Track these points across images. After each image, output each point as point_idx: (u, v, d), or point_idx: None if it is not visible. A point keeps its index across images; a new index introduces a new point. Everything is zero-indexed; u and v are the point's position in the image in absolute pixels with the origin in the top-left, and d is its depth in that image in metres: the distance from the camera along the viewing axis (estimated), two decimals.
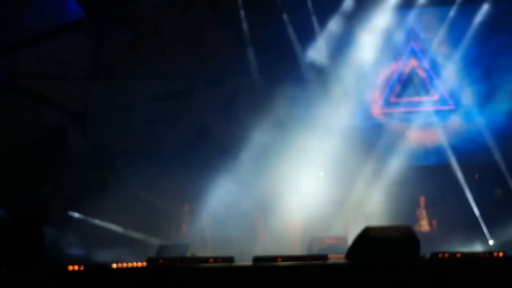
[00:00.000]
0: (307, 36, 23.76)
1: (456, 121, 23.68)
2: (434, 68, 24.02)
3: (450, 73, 23.76)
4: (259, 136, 22.27)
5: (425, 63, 24.09)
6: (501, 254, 11.99)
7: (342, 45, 23.65)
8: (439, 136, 23.56)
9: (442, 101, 23.99)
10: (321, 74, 23.61)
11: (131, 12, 23.53)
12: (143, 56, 23.35)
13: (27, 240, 10.01)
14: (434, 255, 12.05)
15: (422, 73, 24.09)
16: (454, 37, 23.79)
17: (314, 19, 23.90)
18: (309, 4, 23.59)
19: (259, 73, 23.63)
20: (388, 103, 24.12)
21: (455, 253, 12.01)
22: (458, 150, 23.21)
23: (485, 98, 23.40)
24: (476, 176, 21.98)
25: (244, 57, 22.81)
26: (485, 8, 23.60)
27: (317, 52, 23.68)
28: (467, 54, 23.67)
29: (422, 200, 20.13)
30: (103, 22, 23.96)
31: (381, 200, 21.33)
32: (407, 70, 24.15)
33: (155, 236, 21.26)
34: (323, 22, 23.93)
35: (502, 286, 10.91)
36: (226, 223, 20.74)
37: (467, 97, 23.70)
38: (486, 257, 11.86)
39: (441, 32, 23.90)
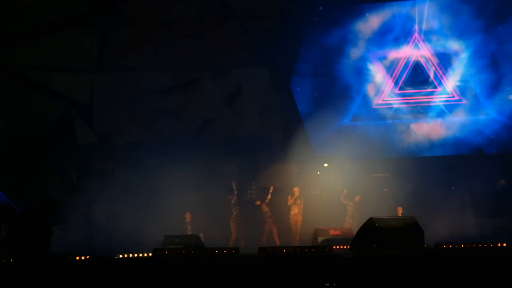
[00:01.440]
0: (311, 28, 23.80)
1: (461, 112, 23.50)
2: (439, 59, 23.70)
3: (455, 63, 23.60)
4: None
5: (430, 54, 23.77)
6: (504, 244, 12.05)
7: (344, 35, 23.70)
8: (445, 128, 23.43)
9: (447, 92, 23.67)
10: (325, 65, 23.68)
11: (136, 4, 23.57)
12: (148, 47, 23.40)
13: (34, 233, 10.12)
14: (438, 245, 12.11)
15: (426, 64, 23.80)
16: (460, 26, 23.60)
17: (318, 10, 23.93)
18: None
19: (264, 65, 23.67)
20: (391, 95, 23.90)
21: (459, 244, 12.07)
22: (464, 142, 23.14)
23: (492, 88, 23.26)
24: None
25: (248, 49, 22.84)
26: None
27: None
28: (473, 44, 23.45)
29: (399, 211, 19.93)
30: (108, 14, 24.02)
31: (385, 191, 21.36)
32: (411, 60, 23.90)
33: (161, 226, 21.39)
34: (326, 13, 23.96)
35: (505, 275, 10.97)
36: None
37: (473, 88, 23.50)
38: (490, 248, 11.91)
39: (447, 22, 23.71)
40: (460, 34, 23.46)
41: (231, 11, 23.76)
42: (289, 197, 20.19)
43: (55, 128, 23.09)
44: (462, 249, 11.84)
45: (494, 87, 23.22)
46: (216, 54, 23.51)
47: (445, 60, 23.68)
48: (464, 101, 23.58)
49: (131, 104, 23.56)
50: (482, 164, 22.11)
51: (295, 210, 20.09)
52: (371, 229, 11.91)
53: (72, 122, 23.70)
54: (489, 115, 23.30)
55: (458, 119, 23.47)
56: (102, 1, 24.14)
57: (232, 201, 20.61)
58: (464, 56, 23.51)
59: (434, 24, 23.76)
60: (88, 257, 11.22)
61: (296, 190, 20.28)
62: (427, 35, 23.74)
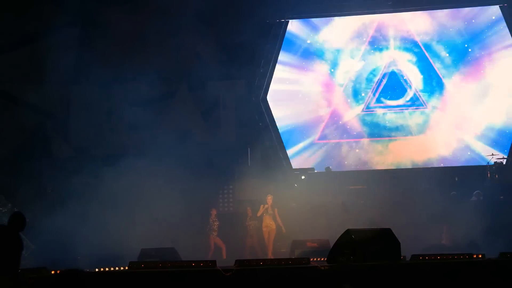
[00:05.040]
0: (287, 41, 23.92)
1: (447, 127, 22.97)
2: (419, 67, 23.20)
3: (437, 72, 23.09)
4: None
5: (408, 62, 23.30)
6: (480, 256, 12.12)
7: (315, 48, 23.78)
8: (428, 146, 23.01)
9: (428, 104, 23.10)
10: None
11: (113, 17, 23.51)
12: (125, 60, 23.32)
13: (4, 247, 10.02)
14: (415, 257, 12.15)
15: (404, 74, 23.34)
16: (439, 30, 23.14)
17: (295, 23, 24.03)
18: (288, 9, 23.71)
19: (241, 78, 23.72)
20: (367, 109, 23.67)
21: (435, 255, 12.12)
22: (451, 161, 22.84)
23: (480, 99, 22.79)
24: (456, 179, 21.95)
25: (225, 62, 22.85)
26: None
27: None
28: (455, 49, 22.90)
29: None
30: (85, 27, 23.94)
31: (362, 203, 21.38)
32: (388, 71, 23.51)
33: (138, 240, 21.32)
34: (302, 27, 24.08)
35: (482, 287, 11.02)
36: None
37: (459, 99, 22.94)
38: (466, 259, 11.97)
39: (425, 26, 23.26)
40: (439, 38, 23.15)
41: (209, 24, 23.77)
42: (261, 206, 19.81)
43: (31, 141, 22.92)
44: (438, 260, 11.88)
45: (482, 97, 22.75)
46: (193, 66, 23.49)
47: (425, 69, 23.20)
48: (448, 115, 22.97)
49: (108, 117, 23.47)
50: (459, 175, 22.12)
51: (266, 221, 19.67)
52: (348, 241, 11.93)
53: (48, 135, 23.56)
54: (477, 129, 22.77)
55: (442, 136, 23.00)
56: (79, 14, 24.04)
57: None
58: (446, 63, 23.04)
59: (412, 29, 23.36)
60: (64, 271, 11.12)
61: (269, 198, 19.85)
62: (405, 42, 23.44)
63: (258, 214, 19.77)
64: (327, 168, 22.58)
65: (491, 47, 22.84)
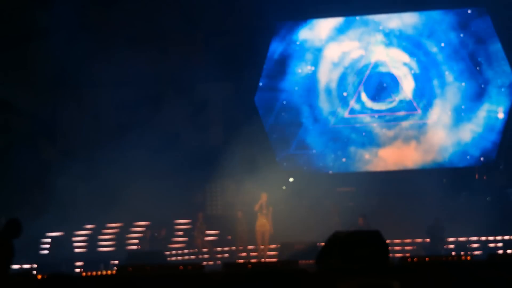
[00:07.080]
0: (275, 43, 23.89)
1: (440, 131, 22.35)
2: (408, 66, 22.49)
3: (428, 70, 22.43)
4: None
5: (397, 61, 22.62)
6: (468, 257, 12.14)
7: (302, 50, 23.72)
8: (421, 152, 22.62)
9: (420, 106, 22.45)
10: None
11: (100, 19, 23.45)
12: (111, 62, 23.25)
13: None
14: (403, 259, 12.15)
15: (392, 75, 22.71)
16: (428, 24, 22.56)
17: (281, 25, 23.97)
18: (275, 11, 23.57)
19: (228, 80, 23.66)
20: (354, 111, 23.24)
21: (423, 257, 12.13)
22: (446, 168, 22.55)
23: (476, 98, 22.38)
24: (444, 180, 21.89)
25: (213, 64, 22.82)
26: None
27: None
28: (446, 44, 22.31)
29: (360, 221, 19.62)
30: (71, 28, 23.85)
31: (351, 205, 21.40)
32: (374, 72, 22.91)
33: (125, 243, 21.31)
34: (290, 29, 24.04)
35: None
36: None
37: (453, 99, 22.36)
38: (454, 261, 11.98)
39: (412, 20, 22.77)
40: (429, 33, 22.84)
41: (196, 26, 23.73)
42: (259, 202, 19.32)
43: (17, 144, 22.80)
44: (427, 262, 11.88)
45: (478, 96, 22.18)
46: (180, 69, 23.43)
47: (415, 67, 22.56)
48: (442, 117, 22.25)
49: (94, 120, 23.40)
50: (447, 177, 22.06)
51: (261, 220, 19.21)
52: (336, 243, 11.90)
53: (35, 138, 23.46)
54: (475, 132, 22.09)
55: (437, 140, 22.42)
56: (66, 16, 23.94)
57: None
58: (437, 60, 22.30)
59: (397, 24, 22.73)
60: (51, 275, 11.06)
61: (263, 196, 19.15)
62: (390, 38, 22.94)
63: (256, 208, 19.11)
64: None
65: (487, 47, 22.12)
